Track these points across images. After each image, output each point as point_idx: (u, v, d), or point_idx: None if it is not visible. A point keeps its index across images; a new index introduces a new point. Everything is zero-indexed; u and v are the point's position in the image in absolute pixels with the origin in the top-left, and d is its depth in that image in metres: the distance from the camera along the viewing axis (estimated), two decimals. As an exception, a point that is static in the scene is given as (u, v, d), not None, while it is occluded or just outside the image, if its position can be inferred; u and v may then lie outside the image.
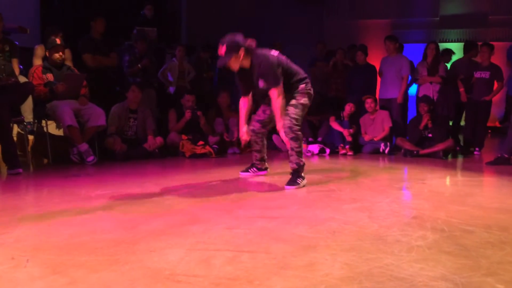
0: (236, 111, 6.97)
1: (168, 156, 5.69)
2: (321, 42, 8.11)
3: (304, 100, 3.72)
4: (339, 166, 5.07)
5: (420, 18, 10.63)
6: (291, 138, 3.60)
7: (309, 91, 3.77)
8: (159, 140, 5.64)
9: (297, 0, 9.44)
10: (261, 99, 3.95)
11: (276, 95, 3.57)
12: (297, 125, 3.62)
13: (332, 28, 10.47)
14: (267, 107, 3.95)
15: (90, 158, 4.86)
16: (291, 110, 3.64)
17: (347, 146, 6.17)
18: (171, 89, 7.03)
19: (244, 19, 8.50)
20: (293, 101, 3.68)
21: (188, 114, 6.00)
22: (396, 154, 6.16)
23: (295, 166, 3.65)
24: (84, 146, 4.89)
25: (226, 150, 6.18)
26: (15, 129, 5.08)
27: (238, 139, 6.35)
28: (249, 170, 4.23)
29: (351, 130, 6.28)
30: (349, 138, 6.23)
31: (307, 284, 1.60)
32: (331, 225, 2.40)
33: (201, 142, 5.80)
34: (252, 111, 4.12)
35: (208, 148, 5.77)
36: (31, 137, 5.25)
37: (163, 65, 7.20)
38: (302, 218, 2.54)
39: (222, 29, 8.41)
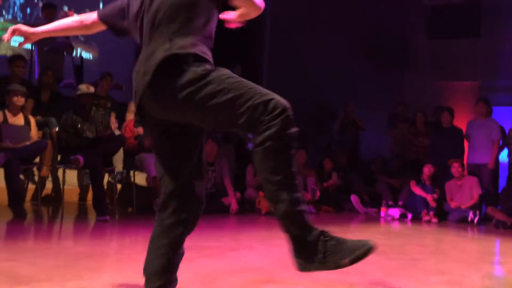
0: (313, 169, 6.99)
1: (245, 212, 5.73)
2: (402, 103, 7.96)
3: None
4: (422, 233, 4.79)
5: (510, 80, 10.13)
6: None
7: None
8: (235, 203, 5.61)
9: (376, 61, 9.45)
10: None
11: None
12: None
13: (414, 89, 10.28)
14: None
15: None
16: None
17: (431, 213, 5.83)
18: (250, 146, 7.19)
19: (323, 82, 8.62)
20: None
21: None
22: (487, 224, 5.69)
23: None
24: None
25: (302, 209, 6.10)
26: (106, 177, 5.43)
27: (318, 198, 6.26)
28: None
29: (435, 195, 5.96)
30: (433, 204, 5.90)
31: None
32: (418, 297, 2.24)
33: (277, 200, 5.79)
34: None
35: (284, 206, 5.74)
36: (119, 186, 5.58)
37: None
38: (385, 287, 2.40)
39: (301, 92, 8.61)
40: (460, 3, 9.35)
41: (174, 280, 1.72)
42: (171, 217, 1.69)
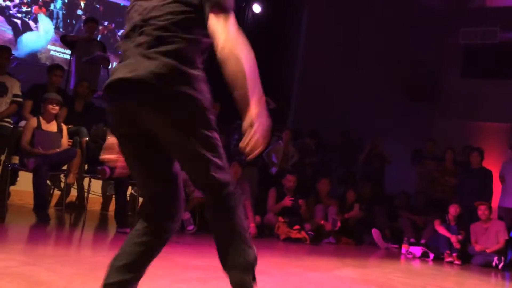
0: (336, 199, 6.92)
1: (263, 236, 5.69)
2: (431, 140, 7.84)
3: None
4: (444, 274, 4.65)
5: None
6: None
7: None
8: (254, 227, 5.58)
9: (408, 96, 9.39)
10: None
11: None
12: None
13: (444, 127, 10.13)
14: None
15: (190, 227, 5.05)
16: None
17: (454, 254, 5.66)
18: (274, 170, 7.19)
19: (351, 113, 8.60)
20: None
21: (288, 202, 6.01)
22: (512, 271, 5.49)
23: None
24: (186, 215, 5.11)
25: (322, 238, 6.03)
26: (129, 190, 5.50)
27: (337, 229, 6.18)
28: None
29: (460, 237, 5.79)
30: (457, 245, 5.73)
31: None
32: None
33: (297, 227, 5.74)
34: None
35: (303, 234, 5.69)
36: (141, 199, 5.63)
37: (269, 146, 7.46)
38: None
39: (328, 122, 8.61)
40: (496, 43, 9.25)
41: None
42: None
